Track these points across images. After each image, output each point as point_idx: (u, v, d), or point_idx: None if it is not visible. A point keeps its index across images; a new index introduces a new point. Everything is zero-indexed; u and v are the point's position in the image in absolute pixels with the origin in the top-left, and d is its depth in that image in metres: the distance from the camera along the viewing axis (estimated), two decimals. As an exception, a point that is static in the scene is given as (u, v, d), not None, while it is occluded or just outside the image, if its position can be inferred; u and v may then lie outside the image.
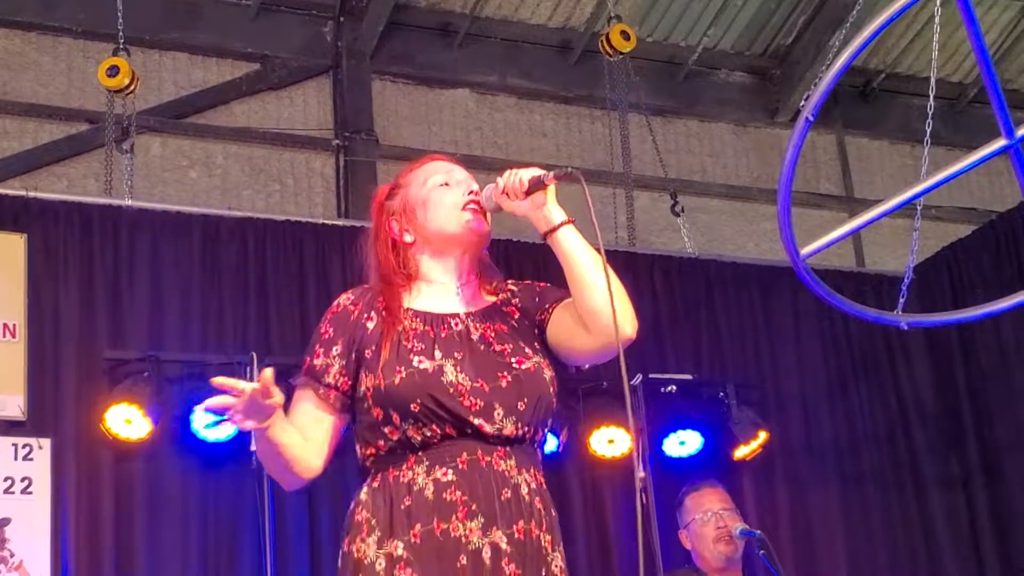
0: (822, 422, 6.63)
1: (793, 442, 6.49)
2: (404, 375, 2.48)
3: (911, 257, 4.70)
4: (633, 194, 7.06)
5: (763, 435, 6.05)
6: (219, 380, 2.39)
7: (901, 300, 4.62)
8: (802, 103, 4.28)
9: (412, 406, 2.46)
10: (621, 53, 6.68)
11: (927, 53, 6.90)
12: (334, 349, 2.57)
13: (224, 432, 5.30)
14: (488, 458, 2.47)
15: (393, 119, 7.14)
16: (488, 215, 2.67)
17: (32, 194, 5.77)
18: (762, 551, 4.76)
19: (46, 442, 5.42)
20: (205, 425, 5.24)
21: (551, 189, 2.57)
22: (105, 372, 5.41)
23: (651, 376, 6.07)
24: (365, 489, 2.53)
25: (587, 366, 2.67)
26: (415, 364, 2.49)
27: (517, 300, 2.67)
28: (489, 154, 7.26)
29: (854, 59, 4.13)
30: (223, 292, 5.81)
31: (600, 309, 2.49)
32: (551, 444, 5.79)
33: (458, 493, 2.44)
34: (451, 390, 2.47)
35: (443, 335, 2.55)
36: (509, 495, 2.46)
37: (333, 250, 5.91)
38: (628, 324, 2.54)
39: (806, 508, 6.42)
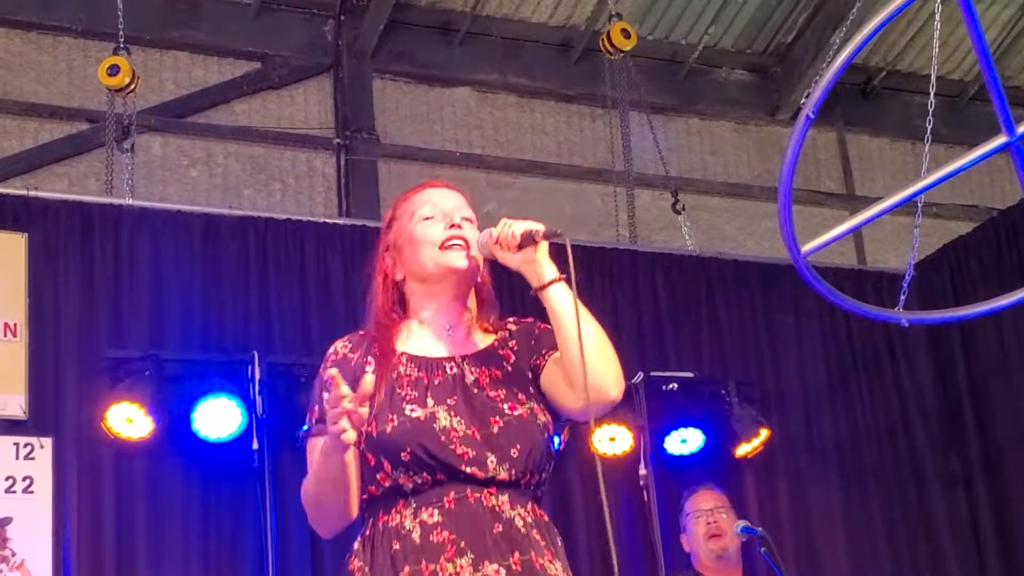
0: (823, 420, 6.63)
1: (794, 440, 6.50)
2: (396, 423, 2.46)
3: (912, 254, 4.70)
4: (634, 192, 7.06)
5: (764, 433, 6.06)
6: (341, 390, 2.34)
7: (902, 297, 4.62)
8: (803, 101, 4.28)
9: (402, 455, 2.44)
10: (622, 51, 6.68)
11: (928, 51, 6.90)
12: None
13: (225, 431, 5.31)
14: (477, 495, 2.44)
15: (394, 118, 7.14)
16: (479, 259, 2.62)
17: (33, 193, 5.77)
18: (763, 548, 4.76)
19: (47, 441, 5.42)
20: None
21: (543, 246, 2.52)
22: (106, 371, 5.40)
23: (652, 374, 6.07)
24: (358, 538, 2.52)
25: (578, 421, 2.63)
26: (407, 412, 2.47)
27: (514, 342, 2.63)
28: (490, 152, 7.26)
29: (854, 57, 4.13)
30: (224, 291, 5.81)
31: (580, 379, 2.44)
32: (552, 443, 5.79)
33: (445, 533, 2.40)
34: (443, 438, 2.44)
35: (436, 381, 2.53)
36: (501, 529, 2.43)
37: (334, 249, 5.91)
38: (613, 386, 2.48)
39: (807, 506, 6.42)
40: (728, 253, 6.98)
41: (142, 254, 5.76)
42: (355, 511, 2.53)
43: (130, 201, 5.94)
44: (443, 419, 2.47)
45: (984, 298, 5.09)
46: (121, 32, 6.04)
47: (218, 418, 5.30)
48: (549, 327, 2.59)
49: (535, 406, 2.55)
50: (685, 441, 6.04)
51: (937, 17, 4.57)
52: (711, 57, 7.69)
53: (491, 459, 2.45)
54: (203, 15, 6.87)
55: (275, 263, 5.84)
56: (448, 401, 2.50)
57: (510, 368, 2.59)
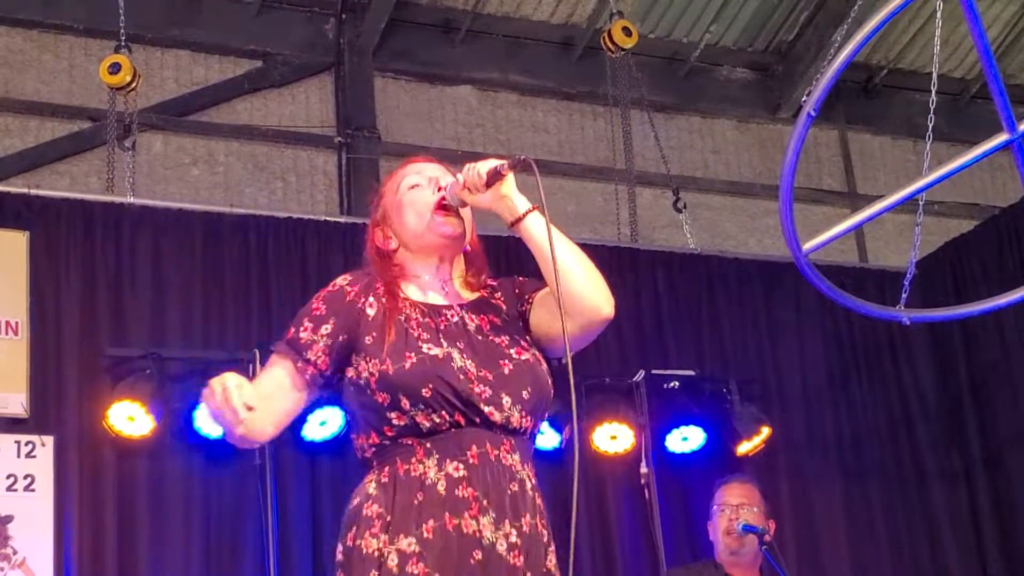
0: (824, 417, 6.63)
1: (796, 438, 6.49)
2: (415, 360, 2.47)
3: (913, 252, 4.70)
4: (635, 190, 7.05)
5: (766, 431, 6.06)
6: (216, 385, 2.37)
7: (903, 295, 4.62)
8: (804, 99, 4.27)
9: (424, 391, 2.45)
10: (623, 50, 6.68)
11: (929, 49, 6.91)
12: (323, 328, 2.55)
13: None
14: (496, 451, 2.47)
15: (395, 116, 7.14)
16: (464, 213, 2.66)
17: (34, 192, 5.77)
18: (765, 547, 4.75)
19: (49, 439, 5.42)
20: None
21: (510, 178, 2.56)
22: (107, 369, 5.41)
23: (653, 372, 6.08)
24: (373, 483, 2.50)
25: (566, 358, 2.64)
26: (424, 350, 2.49)
27: (500, 294, 2.68)
28: (491, 150, 7.23)
29: (855, 55, 4.12)
30: (225, 289, 5.81)
31: (574, 291, 2.50)
32: (554, 441, 5.81)
33: (470, 489, 2.43)
34: (462, 376, 2.47)
35: (443, 326, 2.56)
36: (516, 489, 2.47)
37: (335, 247, 5.90)
38: (604, 302, 2.54)
39: (809, 503, 6.43)
40: (729, 251, 6.98)
41: (143, 253, 5.77)
42: (267, 434, 2.54)
43: (131, 199, 5.93)
44: (458, 359, 2.49)
45: (985, 296, 5.08)
46: (122, 31, 6.04)
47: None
48: (527, 278, 2.66)
49: (537, 353, 2.60)
50: (686, 439, 6.05)
51: (938, 15, 4.57)
52: (712, 55, 7.69)
53: (506, 399, 2.49)
54: (204, 13, 6.87)
55: (276, 261, 5.85)
56: (459, 343, 2.52)
57: (505, 316, 2.64)
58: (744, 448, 6.04)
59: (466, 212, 2.67)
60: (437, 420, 2.46)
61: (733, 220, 7.58)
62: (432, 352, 2.48)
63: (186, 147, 6.73)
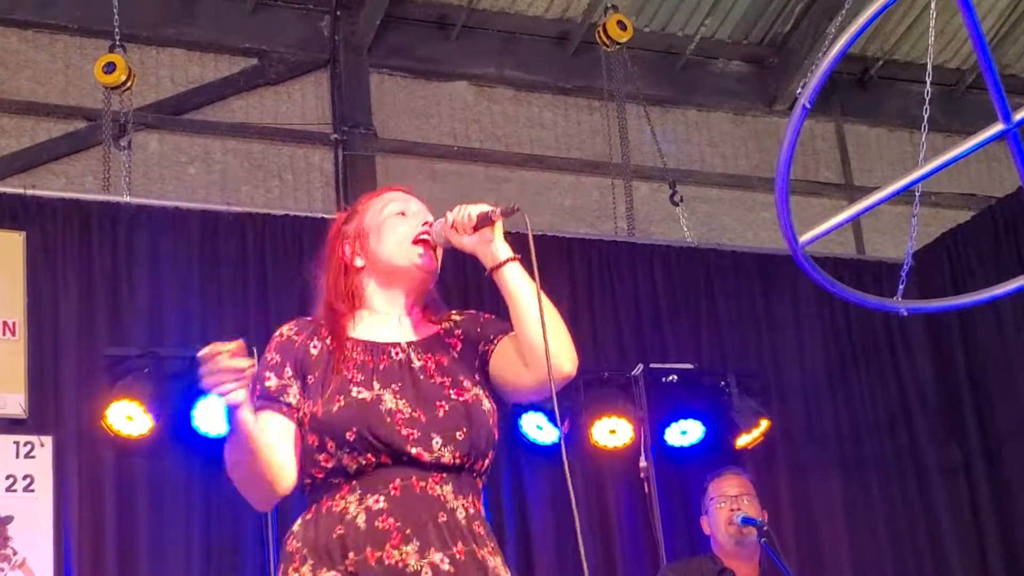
0: (823, 410, 6.63)
1: (794, 430, 6.50)
2: (343, 403, 2.48)
3: (910, 243, 4.70)
4: (632, 184, 7.05)
5: (764, 423, 6.05)
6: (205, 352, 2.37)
7: (901, 286, 4.62)
8: (799, 91, 4.27)
9: (348, 435, 2.45)
10: (618, 43, 6.69)
11: (924, 40, 6.85)
12: (285, 372, 2.56)
13: (226, 427, 5.29)
14: (423, 483, 2.45)
15: (391, 112, 7.13)
16: (438, 251, 2.66)
17: (30, 192, 5.78)
18: (763, 539, 4.75)
19: (48, 440, 5.42)
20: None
21: (498, 225, 2.55)
22: (105, 369, 5.40)
23: (652, 366, 6.08)
24: (299, 521, 2.53)
25: (525, 402, 2.64)
26: (353, 393, 2.49)
27: (459, 331, 2.66)
28: (488, 146, 7.25)
29: (850, 46, 4.11)
30: (223, 287, 5.82)
31: (539, 346, 2.47)
32: (552, 435, 5.81)
33: (391, 520, 2.42)
34: (388, 419, 2.46)
35: (382, 366, 2.55)
36: (446, 519, 2.45)
37: (332, 244, 5.90)
38: (567, 361, 2.52)
39: (808, 496, 6.43)
40: (726, 244, 6.98)
41: (140, 252, 5.77)
42: (283, 483, 2.53)
43: (128, 199, 5.94)
44: (389, 401, 2.49)
45: (983, 286, 5.08)
46: (117, 30, 6.05)
47: (218, 414, 5.25)
48: (493, 317, 2.64)
49: (480, 392, 2.57)
50: (685, 433, 6.04)
51: (933, 6, 4.57)
52: (708, 48, 7.68)
53: (436, 440, 2.47)
54: (199, 12, 6.86)
55: (273, 259, 5.85)
56: (394, 385, 2.52)
57: (456, 355, 2.62)
58: (743, 441, 6.03)
59: (439, 253, 2.67)
60: (363, 462, 2.46)
61: (730, 213, 7.57)
62: (360, 396, 2.49)
63: (182, 146, 6.73)
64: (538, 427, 5.84)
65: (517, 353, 2.55)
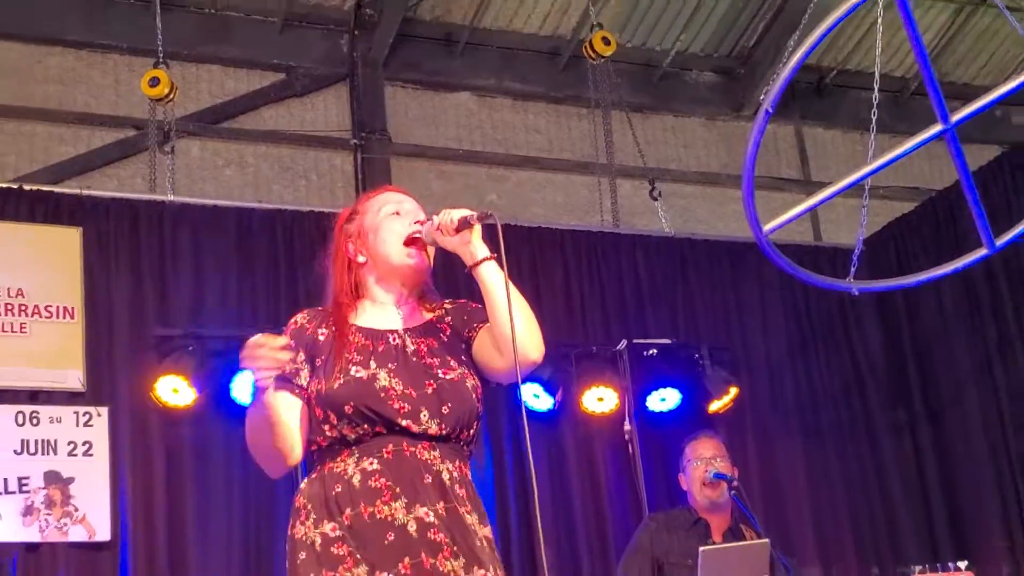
0: (785, 379, 6.64)
1: (760, 397, 6.51)
2: (343, 381, 2.51)
3: (861, 231, 4.69)
4: (616, 182, 7.05)
5: (733, 391, 6.07)
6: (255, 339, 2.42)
7: (853, 269, 4.62)
8: (762, 98, 4.26)
9: (346, 408, 2.49)
10: (603, 57, 6.67)
11: (873, 51, 6.86)
12: (298, 357, 2.59)
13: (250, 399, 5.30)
14: (412, 449, 2.49)
15: (404, 120, 7.12)
16: (430, 250, 2.68)
17: (86, 192, 5.78)
18: (733, 491, 4.75)
19: (104, 410, 5.43)
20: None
21: (476, 228, 2.57)
22: (153, 347, 5.41)
23: (635, 341, 6.08)
24: (305, 481, 2.56)
25: (504, 383, 2.65)
26: (352, 373, 2.53)
27: (449, 319, 2.68)
28: (489, 149, 7.24)
29: (806, 58, 4.12)
30: (256, 275, 5.82)
31: (508, 337, 2.50)
32: (547, 403, 5.82)
33: (382, 480, 2.45)
34: (382, 395, 2.50)
35: (380, 349, 2.58)
36: (431, 480, 2.48)
37: (352, 236, 5.89)
38: (533, 349, 2.52)
39: (772, 455, 6.44)
40: (700, 234, 6.96)
41: (183, 244, 5.77)
42: (293, 454, 2.55)
43: (171, 198, 5.94)
44: (383, 380, 2.52)
45: (925, 268, 5.08)
46: (160, 48, 6.04)
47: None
48: (479, 306, 2.64)
49: (465, 372, 2.60)
50: (664, 400, 6.06)
51: (879, 22, 4.57)
52: (682, 61, 7.66)
53: (424, 413, 2.50)
54: (233, 32, 6.85)
55: (301, 250, 5.84)
56: (389, 365, 2.55)
57: (445, 339, 2.64)
58: (715, 407, 6.05)
59: (431, 251, 2.68)
60: (361, 431, 2.49)
61: (702, 207, 7.56)
62: (358, 375, 2.52)
63: (219, 151, 6.72)
64: (535, 395, 5.85)
65: (489, 339, 2.58)
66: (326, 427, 2.52)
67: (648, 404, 6.02)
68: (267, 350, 2.40)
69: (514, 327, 2.48)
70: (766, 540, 4.36)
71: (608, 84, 6.94)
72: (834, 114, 7.97)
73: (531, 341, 2.52)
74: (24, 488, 5.26)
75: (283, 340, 2.43)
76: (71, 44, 6.56)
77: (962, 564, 4.35)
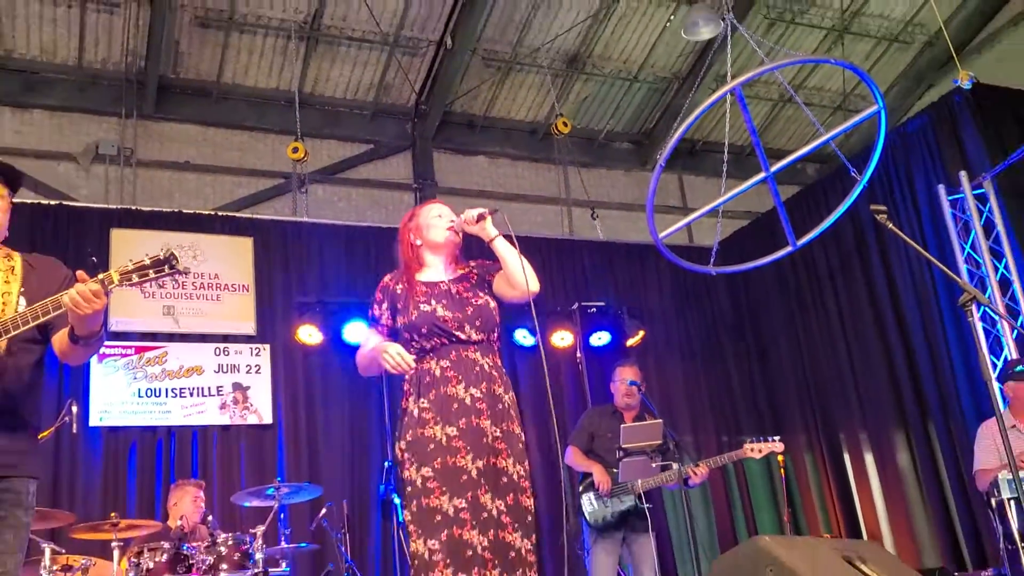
0: (672, 326, 6.64)
1: (657, 338, 6.51)
2: (417, 314, 2.53)
3: (717, 237, 4.72)
4: (572, 209, 7.05)
5: (642, 333, 6.09)
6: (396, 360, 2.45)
7: (712, 260, 4.63)
8: (658, 157, 4.26)
9: (423, 329, 2.52)
10: (563, 134, 6.67)
11: (722, 126, 6.86)
12: (383, 306, 2.62)
13: (361, 338, 5.27)
14: (466, 352, 2.51)
15: (444, 174, 7.10)
16: (460, 234, 2.68)
17: (255, 216, 5.78)
18: (641, 393, 4.75)
19: (267, 347, 5.47)
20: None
21: (488, 219, 2.59)
22: (296, 308, 5.43)
23: (583, 304, 6.10)
24: (405, 381, 2.54)
25: (515, 303, 2.68)
26: (422, 308, 2.54)
27: (475, 271, 2.69)
28: (495, 190, 7.23)
29: (685, 132, 4.11)
30: (358, 266, 5.81)
31: (518, 281, 2.53)
32: (531, 341, 5.82)
33: (451, 372, 2.48)
34: (441, 319, 2.52)
35: (436, 292, 2.58)
36: (478, 370, 2.49)
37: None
38: (532, 283, 2.55)
39: (665, 375, 6.44)
40: (621, 239, 6.97)
41: (313, 248, 5.78)
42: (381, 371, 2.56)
43: (306, 219, 5.94)
44: (440, 311, 2.54)
45: (755, 259, 5.10)
46: (298, 129, 6.03)
47: (357, 332, 5.34)
48: (492, 262, 2.65)
49: (488, 299, 2.60)
50: (600, 339, 6.08)
51: (727, 112, 4.56)
52: (611, 136, 7.63)
53: (467, 327, 2.53)
54: (342, 120, 6.83)
55: (388, 253, 5.78)
56: (443, 301, 2.56)
57: (475, 281, 2.64)
58: (631, 342, 6.07)
59: (460, 235, 2.68)
60: (434, 342, 2.51)
61: (622, 224, 7.54)
62: (425, 309, 2.53)
63: (335, 192, 6.71)
64: (524, 336, 5.87)
65: (504, 280, 2.59)
66: (413, 344, 2.53)
67: (591, 342, 6.05)
68: (404, 363, 2.43)
69: (525, 270, 2.51)
70: (660, 420, 4.38)
71: (566, 150, 6.94)
72: (702, 167, 7.95)
73: (532, 280, 2.55)
74: (220, 392, 5.31)
75: (411, 360, 2.45)
76: (244, 128, 6.54)
77: (776, 438, 4.38)
